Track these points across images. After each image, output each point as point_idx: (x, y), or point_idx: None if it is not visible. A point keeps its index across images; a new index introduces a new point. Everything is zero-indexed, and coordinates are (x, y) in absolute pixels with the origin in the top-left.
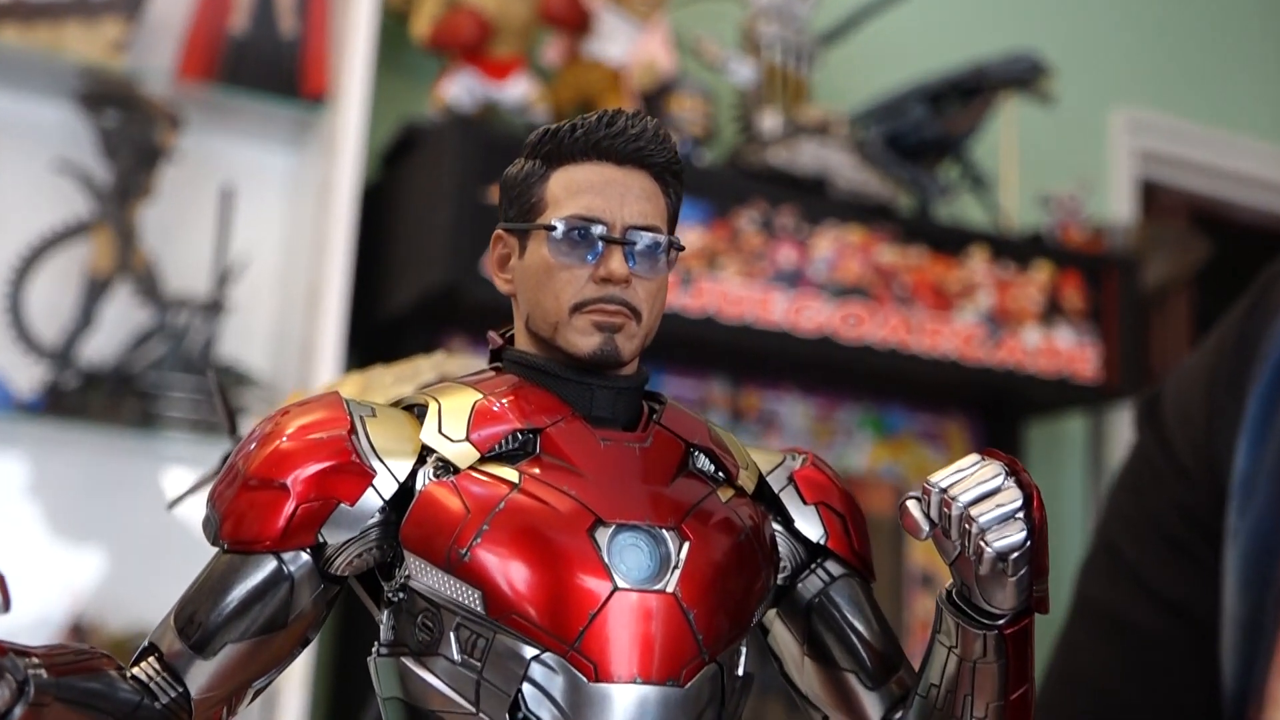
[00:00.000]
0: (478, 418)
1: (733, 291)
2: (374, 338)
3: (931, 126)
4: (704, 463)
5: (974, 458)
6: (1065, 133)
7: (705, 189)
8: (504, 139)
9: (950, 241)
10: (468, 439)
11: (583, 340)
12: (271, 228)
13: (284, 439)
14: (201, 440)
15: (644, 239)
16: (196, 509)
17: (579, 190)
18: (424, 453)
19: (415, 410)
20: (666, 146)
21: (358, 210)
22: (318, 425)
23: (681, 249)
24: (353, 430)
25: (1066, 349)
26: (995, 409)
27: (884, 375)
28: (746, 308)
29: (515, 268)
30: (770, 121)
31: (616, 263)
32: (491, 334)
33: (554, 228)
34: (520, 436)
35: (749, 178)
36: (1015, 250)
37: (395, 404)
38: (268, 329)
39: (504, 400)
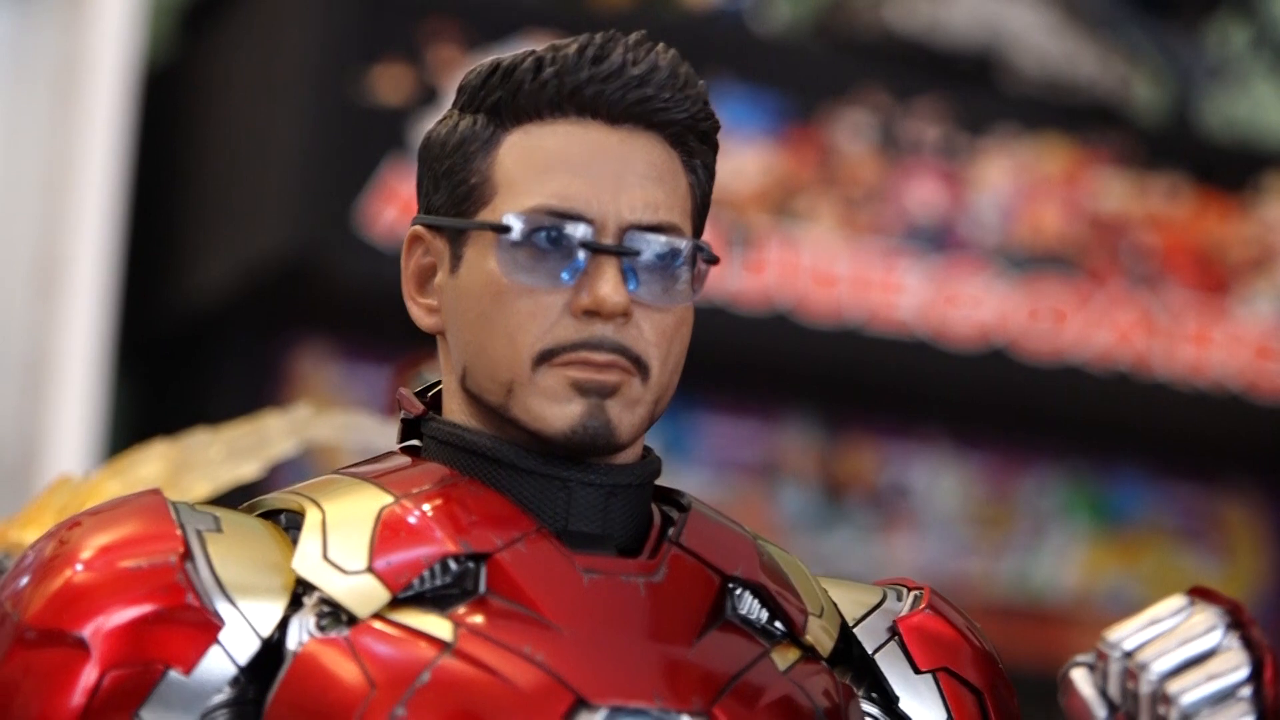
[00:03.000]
0: (386, 535)
1: (824, 262)
2: (159, 349)
3: None
4: (750, 606)
5: (1177, 602)
6: None
7: (774, 73)
8: None
9: (1230, 168)
10: (370, 569)
11: (555, 410)
12: None
13: (77, 567)
14: None
15: (653, 245)
16: None
17: (548, 166)
18: (300, 590)
19: (282, 519)
20: (690, 94)
21: (133, 116)
22: (130, 545)
23: (714, 260)
24: (187, 555)
25: None
26: None
27: (1108, 417)
28: (850, 293)
29: (444, 289)
30: None
31: (609, 284)
32: (403, 393)
33: (508, 228)
34: (455, 566)
35: (853, 54)
36: None
37: (247, 507)
38: None
39: (426, 506)
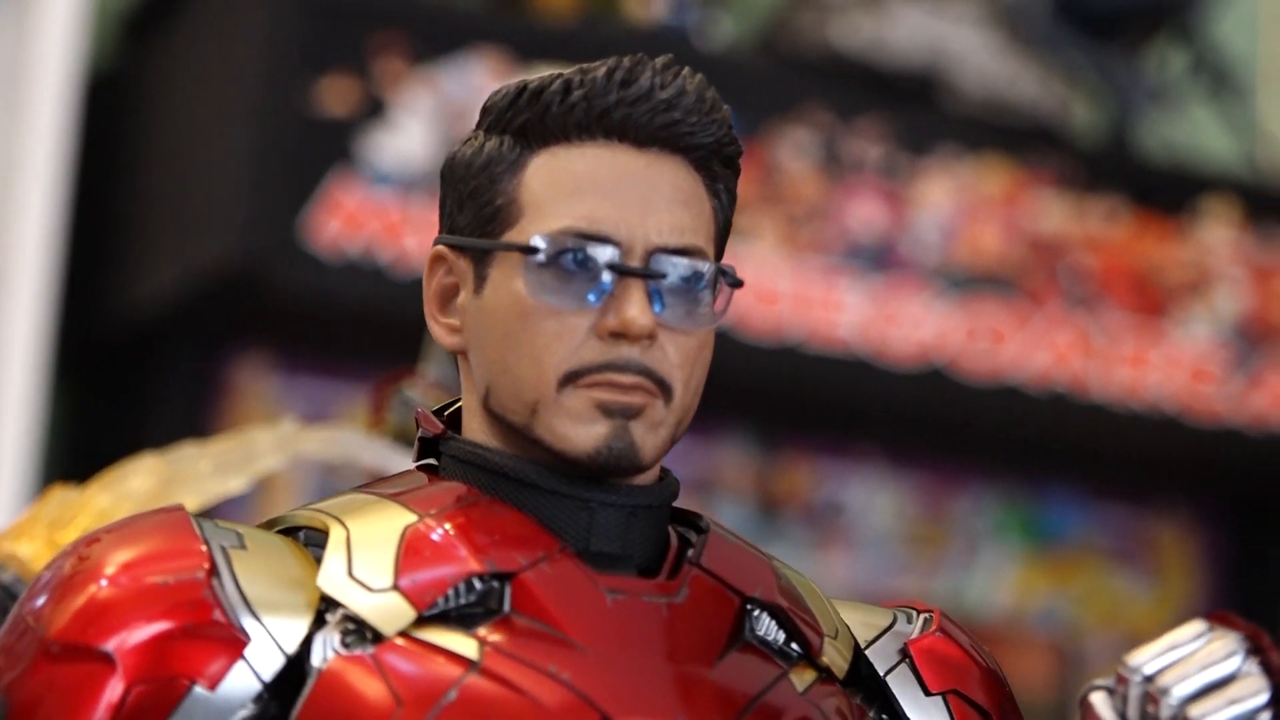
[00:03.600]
0: (410, 553)
1: (765, 280)
2: (100, 358)
3: None
4: (769, 628)
5: (1196, 627)
6: None
7: (718, 89)
8: None
9: (1167, 191)
10: (396, 587)
11: (580, 431)
12: None
13: (102, 582)
14: None
15: (678, 268)
16: None
17: (576, 189)
18: (324, 607)
19: (300, 536)
20: (715, 118)
21: (76, 123)
22: (156, 560)
23: (738, 284)
24: (213, 571)
25: None
26: (1249, 500)
27: (1042, 437)
28: (791, 310)
29: (467, 309)
30: None
31: (636, 307)
32: (423, 412)
33: (535, 249)
34: (480, 585)
35: (798, 71)
36: None
37: (266, 524)
38: None
39: (449, 525)
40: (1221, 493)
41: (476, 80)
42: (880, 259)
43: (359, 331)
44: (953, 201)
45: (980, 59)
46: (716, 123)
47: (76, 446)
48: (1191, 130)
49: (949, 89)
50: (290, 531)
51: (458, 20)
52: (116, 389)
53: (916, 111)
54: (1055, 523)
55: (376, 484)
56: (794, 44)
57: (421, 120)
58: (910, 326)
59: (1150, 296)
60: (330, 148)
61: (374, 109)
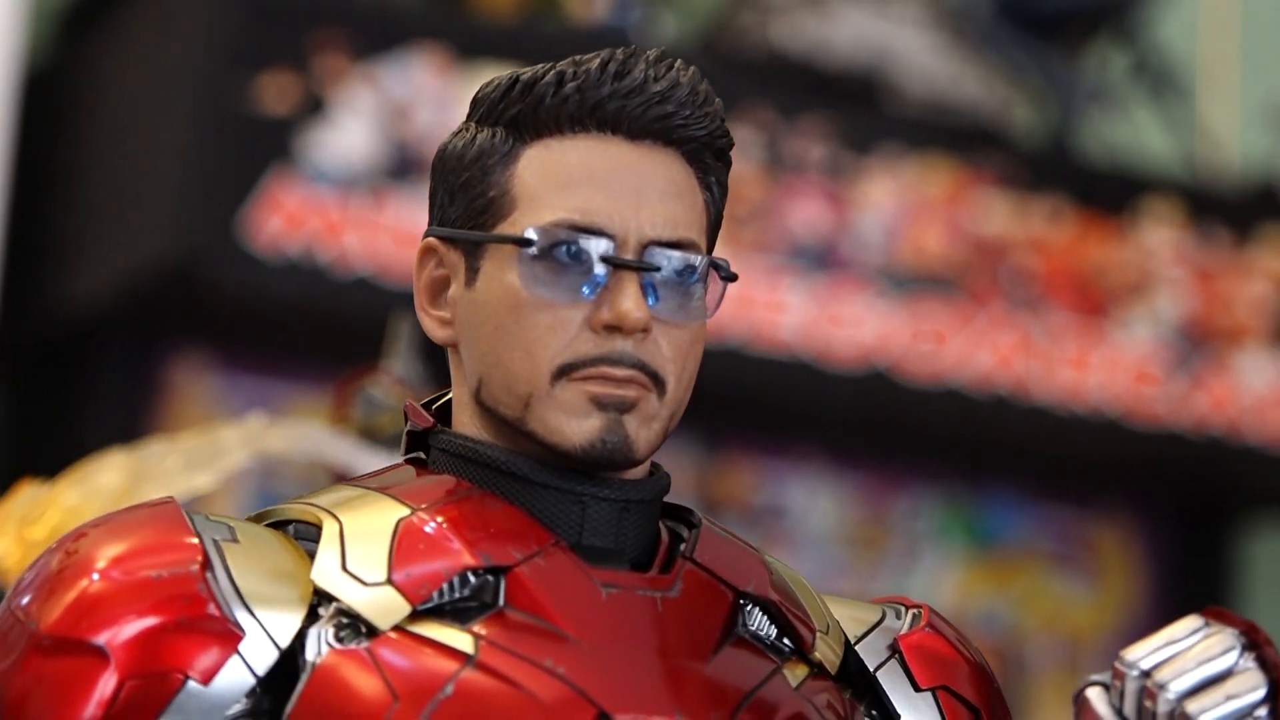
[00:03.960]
0: (405, 547)
1: None
2: (35, 355)
3: None
4: (761, 623)
5: (1192, 623)
6: None
7: None
8: None
9: (1109, 192)
10: (390, 581)
11: (573, 425)
12: None
13: (94, 575)
14: None
15: (672, 260)
16: None
17: (569, 181)
18: (318, 601)
19: (290, 529)
20: (708, 111)
21: (12, 119)
22: (148, 553)
23: (732, 277)
24: (207, 564)
25: None
26: (1190, 503)
27: (983, 439)
28: (733, 312)
29: (459, 301)
30: None
31: (630, 300)
32: (412, 405)
33: (529, 241)
34: (474, 579)
35: (740, 71)
36: (1229, 211)
37: (255, 517)
38: None
39: (442, 519)
40: (1163, 495)
41: (417, 78)
42: (823, 259)
43: (298, 331)
44: (895, 202)
45: (923, 60)
46: (709, 115)
47: (13, 444)
48: (1133, 131)
49: (891, 89)
50: (280, 525)
51: (398, 18)
52: (53, 387)
53: (859, 112)
54: (996, 525)
55: (365, 478)
56: (736, 44)
57: (362, 118)
58: (852, 327)
59: (1092, 298)
60: (269, 145)
61: (314, 106)
